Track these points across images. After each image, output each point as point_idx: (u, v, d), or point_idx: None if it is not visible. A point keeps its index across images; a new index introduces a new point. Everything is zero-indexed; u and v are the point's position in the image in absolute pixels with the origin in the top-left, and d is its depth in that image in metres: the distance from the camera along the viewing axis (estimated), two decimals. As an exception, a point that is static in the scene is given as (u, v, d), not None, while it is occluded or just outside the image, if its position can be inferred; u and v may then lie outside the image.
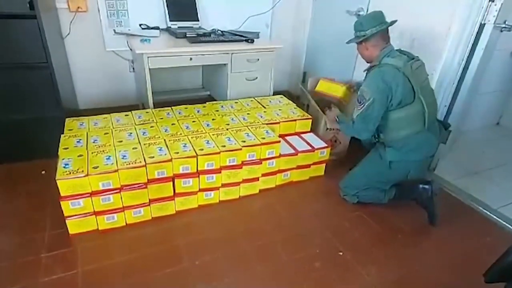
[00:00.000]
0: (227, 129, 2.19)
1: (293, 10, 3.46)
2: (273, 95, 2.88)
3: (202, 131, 2.15)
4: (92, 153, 1.83)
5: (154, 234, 1.83)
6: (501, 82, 3.09)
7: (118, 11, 2.73)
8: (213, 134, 2.11)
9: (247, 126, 2.25)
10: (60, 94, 2.21)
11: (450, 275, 1.69)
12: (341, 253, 1.77)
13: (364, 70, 1.99)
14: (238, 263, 1.68)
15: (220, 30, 2.83)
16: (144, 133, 2.07)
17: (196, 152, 1.91)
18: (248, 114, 2.44)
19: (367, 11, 2.65)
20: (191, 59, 2.46)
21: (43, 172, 2.20)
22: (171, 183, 1.89)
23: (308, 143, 2.35)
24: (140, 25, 2.79)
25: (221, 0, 3.02)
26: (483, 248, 1.86)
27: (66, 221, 1.72)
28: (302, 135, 2.45)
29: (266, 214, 2.05)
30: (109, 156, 1.80)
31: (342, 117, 2.12)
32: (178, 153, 1.89)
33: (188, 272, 1.60)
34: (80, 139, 1.96)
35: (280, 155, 2.18)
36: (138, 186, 1.80)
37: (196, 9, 2.87)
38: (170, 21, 2.79)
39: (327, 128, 2.47)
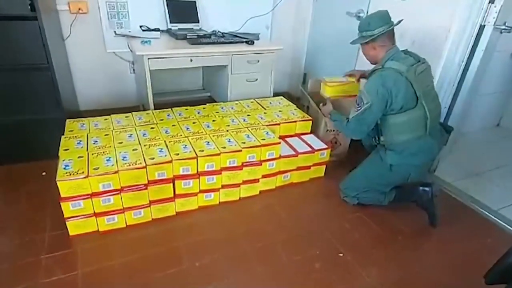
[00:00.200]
0: (227, 131, 2.19)
1: (293, 12, 3.47)
2: (274, 96, 2.88)
3: (202, 132, 2.15)
4: (92, 154, 1.83)
5: (154, 235, 1.83)
6: (501, 83, 3.09)
7: (118, 12, 2.73)
8: (213, 136, 2.11)
9: (247, 128, 2.25)
10: (61, 95, 2.22)
11: (451, 277, 1.69)
12: (341, 255, 1.77)
13: (369, 73, 1.97)
14: (238, 264, 1.68)
15: (220, 32, 2.83)
16: (144, 134, 2.07)
17: (196, 154, 1.91)
18: (248, 115, 2.44)
19: (367, 12, 2.65)
20: (191, 60, 2.47)
21: (43, 173, 2.21)
22: (171, 184, 1.89)
23: (308, 145, 2.35)
24: (140, 26, 2.80)
25: (221, 2, 3.03)
26: (483, 249, 1.86)
27: (66, 222, 1.72)
28: (302, 136, 2.45)
29: (266, 216, 2.05)
30: (110, 157, 1.80)
31: (336, 115, 2.10)
32: (178, 154, 1.89)
33: (188, 273, 1.60)
34: (81, 140, 1.96)
35: (280, 157, 2.18)
36: (138, 188, 1.80)
37: (197, 10, 2.88)
38: (171, 22, 2.79)
39: (327, 130, 2.47)
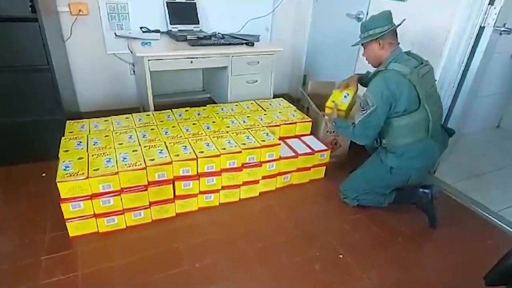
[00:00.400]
0: (227, 132, 2.19)
1: (293, 13, 3.47)
2: (274, 98, 2.88)
3: (202, 133, 2.16)
4: (92, 155, 1.83)
5: (154, 236, 1.83)
6: (501, 84, 3.09)
7: (119, 14, 2.74)
8: (213, 137, 2.11)
9: (247, 129, 2.25)
10: (61, 96, 2.22)
11: (451, 278, 1.69)
12: (341, 256, 1.77)
13: (371, 75, 1.96)
14: (238, 265, 1.68)
15: (220, 33, 2.84)
16: (144, 135, 2.08)
17: (196, 155, 1.91)
18: (248, 116, 2.44)
19: (367, 14, 2.66)
20: (191, 62, 2.47)
21: (43, 174, 2.21)
22: (172, 185, 1.89)
23: (308, 146, 2.35)
24: (141, 28, 2.80)
25: (221, 3, 3.03)
26: (483, 251, 1.85)
27: (66, 223, 1.72)
28: (302, 137, 2.45)
29: (266, 217, 2.05)
30: (110, 159, 1.81)
31: (341, 121, 2.08)
32: (178, 155, 1.89)
33: (188, 275, 1.60)
34: (81, 142, 1.96)
35: (280, 158, 2.18)
36: (139, 189, 1.80)
37: (197, 12, 2.89)
38: (171, 24, 2.80)
39: (328, 131, 2.47)
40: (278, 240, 1.85)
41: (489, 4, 2.04)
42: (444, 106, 2.33)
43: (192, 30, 2.85)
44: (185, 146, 1.98)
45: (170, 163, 1.85)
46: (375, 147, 2.05)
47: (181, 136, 2.10)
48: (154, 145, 1.96)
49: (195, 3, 2.88)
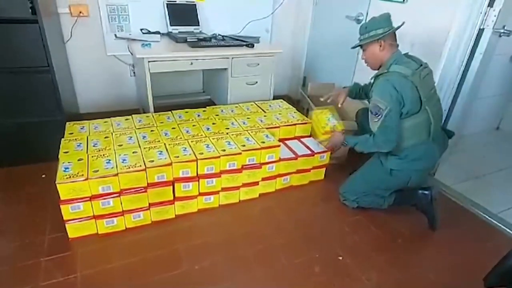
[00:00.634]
0: (227, 133, 2.19)
1: (293, 15, 3.48)
2: (273, 99, 2.89)
3: (202, 135, 2.16)
4: (92, 157, 1.83)
5: (153, 238, 1.82)
6: (501, 86, 3.09)
7: (119, 15, 2.75)
8: (213, 138, 2.11)
9: (247, 130, 2.25)
10: (61, 97, 2.22)
11: (450, 280, 1.69)
12: (341, 258, 1.77)
13: (371, 78, 1.94)
14: (238, 267, 1.68)
15: (220, 35, 2.84)
16: (144, 137, 2.08)
17: (196, 156, 1.91)
18: (248, 118, 2.44)
19: (367, 16, 2.66)
20: (191, 63, 2.48)
21: (43, 175, 2.21)
22: (171, 187, 1.89)
23: (308, 147, 2.35)
24: (141, 29, 2.80)
25: (221, 5, 3.04)
26: (483, 252, 1.85)
27: (66, 225, 1.72)
28: (302, 139, 2.45)
29: (266, 218, 2.05)
30: (109, 160, 1.81)
31: (352, 138, 2.02)
32: (178, 157, 1.89)
33: (188, 276, 1.60)
34: (81, 143, 1.96)
35: (280, 159, 2.18)
36: (138, 190, 1.80)
37: (197, 14, 2.89)
38: (171, 25, 2.80)
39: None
40: (278, 242, 1.85)
41: (488, 6, 2.04)
42: (444, 108, 2.34)
43: (192, 31, 2.85)
44: (185, 148, 1.98)
45: (170, 164, 1.85)
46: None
47: (181, 138, 2.10)
48: (154, 147, 1.97)
49: (195, 4, 2.89)
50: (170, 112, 2.45)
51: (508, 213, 2.16)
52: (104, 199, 1.74)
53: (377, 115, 1.77)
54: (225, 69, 2.64)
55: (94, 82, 2.91)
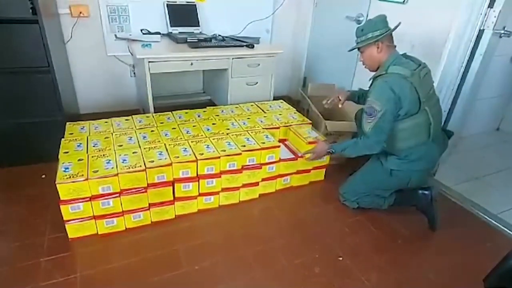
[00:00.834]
0: (227, 134, 2.19)
1: (293, 16, 3.48)
2: (274, 100, 2.89)
3: (202, 135, 2.16)
4: (92, 157, 1.83)
5: (153, 238, 1.82)
6: (501, 87, 3.09)
7: (119, 16, 2.75)
8: (213, 139, 2.11)
9: (247, 131, 2.26)
10: (61, 98, 2.22)
11: (450, 280, 1.69)
12: (341, 258, 1.77)
13: (370, 79, 1.93)
14: (238, 267, 1.68)
15: (220, 35, 2.84)
16: (144, 137, 2.08)
17: (196, 157, 1.91)
18: (248, 118, 2.44)
19: (367, 17, 2.66)
20: (191, 64, 2.48)
21: (43, 176, 2.21)
22: (171, 187, 1.89)
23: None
24: (141, 30, 2.81)
25: (222, 6, 3.04)
26: (483, 253, 1.85)
27: (66, 225, 1.72)
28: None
29: (266, 219, 2.05)
30: (109, 160, 1.81)
31: (338, 145, 2.03)
32: (178, 157, 1.89)
33: (188, 277, 1.60)
34: (81, 143, 1.96)
35: (280, 160, 2.18)
36: (138, 191, 1.80)
37: (197, 14, 2.90)
38: (171, 26, 2.81)
39: (327, 133, 2.47)
40: (278, 242, 1.85)
41: (488, 7, 2.05)
42: (444, 109, 2.34)
43: (193, 32, 2.86)
44: (185, 148, 1.98)
45: (170, 165, 1.85)
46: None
47: (181, 138, 2.10)
48: (154, 147, 1.97)
49: (195, 5, 2.89)
50: (170, 112, 2.45)
51: (508, 214, 2.16)
52: (104, 199, 1.74)
53: (371, 116, 1.77)
54: (225, 69, 2.64)
55: (94, 83, 2.92)
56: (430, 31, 2.25)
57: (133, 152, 1.90)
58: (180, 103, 3.05)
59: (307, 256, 1.76)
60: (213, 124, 2.33)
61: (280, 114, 2.55)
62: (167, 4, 2.79)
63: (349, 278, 1.66)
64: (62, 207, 1.67)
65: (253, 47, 2.68)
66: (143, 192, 1.81)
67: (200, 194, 1.99)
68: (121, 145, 1.97)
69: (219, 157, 1.96)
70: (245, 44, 2.71)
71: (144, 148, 1.94)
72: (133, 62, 2.95)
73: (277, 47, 2.92)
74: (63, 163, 1.76)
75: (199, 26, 2.91)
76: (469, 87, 2.28)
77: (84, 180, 1.66)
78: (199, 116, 2.43)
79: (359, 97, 2.19)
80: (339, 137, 2.49)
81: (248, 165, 2.08)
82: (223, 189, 2.05)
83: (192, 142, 2.06)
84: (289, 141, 2.41)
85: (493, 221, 2.09)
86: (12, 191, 2.09)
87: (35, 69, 2.10)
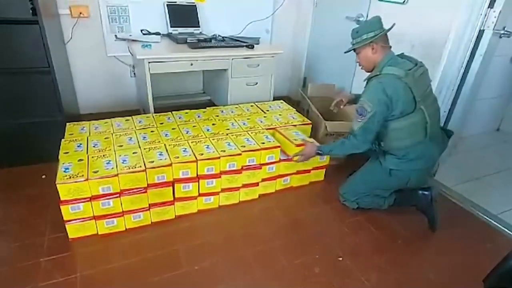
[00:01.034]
0: (227, 134, 2.20)
1: (293, 16, 3.48)
2: (273, 100, 2.89)
3: (202, 136, 2.16)
4: (92, 157, 1.83)
5: (153, 238, 1.83)
6: (501, 87, 3.09)
7: (119, 16, 2.75)
8: (213, 139, 2.12)
9: (247, 131, 2.26)
10: (62, 98, 2.23)
11: (450, 281, 1.68)
12: (340, 259, 1.77)
13: (365, 80, 1.95)
14: (238, 268, 1.68)
15: (220, 36, 2.85)
16: (144, 137, 2.08)
17: (196, 157, 1.91)
18: (248, 119, 2.45)
19: (367, 17, 2.67)
20: (191, 64, 2.48)
21: (43, 176, 2.21)
22: (171, 187, 1.89)
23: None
24: (141, 30, 2.81)
25: (221, 6, 3.04)
26: (483, 254, 1.85)
27: (66, 225, 1.72)
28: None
29: (266, 219, 2.05)
30: (109, 161, 1.81)
31: (326, 146, 2.06)
32: (178, 157, 1.89)
33: (188, 277, 1.60)
34: (81, 144, 1.96)
35: (280, 160, 2.18)
36: (138, 191, 1.80)
37: (197, 15, 2.90)
38: (171, 26, 2.81)
39: (327, 134, 2.47)
40: (278, 243, 1.85)
41: (488, 7, 2.05)
42: (444, 109, 2.34)
43: (193, 32, 2.86)
44: (185, 148, 1.98)
45: (170, 165, 1.85)
46: (373, 150, 2.05)
47: (181, 138, 2.10)
48: (154, 147, 1.97)
49: (195, 5, 2.89)
50: (170, 112, 2.45)
51: (508, 214, 2.16)
52: (104, 199, 1.74)
53: (361, 116, 1.80)
54: (225, 70, 2.64)
55: (94, 83, 2.92)
56: (430, 31, 2.25)
57: (133, 153, 1.90)
58: (180, 103, 3.05)
59: (307, 256, 1.76)
60: (213, 124, 2.33)
61: (280, 115, 2.55)
62: (167, 5, 2.79)
63: (349, 278, 1.66)
64: (62, 207, 1.67)
65: (253, 47, 2.68)
66: (143, 193, 1.81)
67: (200, 195, 2.00)
68: (121, 146, 1.97)
69: (219, 158, 1.96)
70: (245, 44, 2.71)
71: (144, 149, 1.95)
72: (133, 63, 2.96)
73: (277, 48, 2.92)
74: (63, 163, 1.76)
75: (199, 26, 2.91)
76: (469, 87, 2.28)
77: (84, 181, 1.67)
78: (199, 117, 2.43)
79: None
80: (339, 137, 2.48)
81: (248, 166, 2.08)
82: (223, 190, 2.05)
83: (192, 142, 2.06)
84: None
85: (493, 222, 2.09)
86: (12, 191, 2.09)
87: (35, 69, 2.10)
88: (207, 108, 2.59)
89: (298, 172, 2.28)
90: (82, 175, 1.68)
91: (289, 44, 3.57)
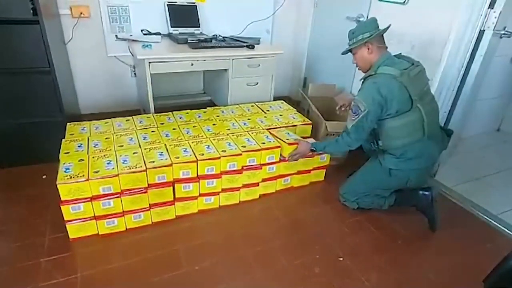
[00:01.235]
0: (227, 134, 2.20)
1: (294, 16, 3.48)
2: (274, 100, 2.89)
3: (202, 136, 2.16)
4: (93, 157, 1.83)
5: (154, 239, 1.83)
6: (502, 87, 3.09)
7: (120, 16, 2.75)
8: (213, 139, 2.12)
9: (247, 131, 2.26)
10: (62, 98, 2.23)
11: (450, 281, 1.69)
12: (341, 259, 1.77)
13: (361, 79, 1.97)
14: (238, 268, 1.68)
15: (221, 36, 2.85)
16: (145, 137, 2.08)
17: (196, 157, 1.92)
18: (248, 119, 2.45)
19: (367, 17, 2.67)
20: (192, 64, 2.48)
21: (44, 176, 2.21)
22: (171, 188, 1.89)
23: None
24: (141, 30, 2.81)
25: (222, 6, 3.04)
26: (483, 254, 1.85)
27: (67, 225, 1.72)
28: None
29: (266, 219, 2.05)
30: (110, 161, 1.81)
31: (320, 143, 2.09)
32: (178, 158, 1.89)
33: (188, 277, 1.60)
34: (81, 144, 1.96)
35: (280, 160, 2.18)
36: (139, 191, 1.80)
37: (198, 15, 2.90)
38: (172, 27, 2.81)
39: (328, 134, 2.47)
40: (278, 243, 1.85)
41: (489, 8, 2.05)
42: (444, 110, 2.34)
43: (193, 32, 2.86)
44: (185, 149, 1.98)
45: (170, 165, 1.85)
46: (373, 150, 2.06)
47: (181, 139, 2.10)
48: (155, 147, 1.97)
49: (196, 5, 2.89)
50: (170, 113, 2.45)
51: (508, 215, 2.16)
52: (105, 199, 1.74)
53: (355, 114, 1.83)
54: (226, 70, 2.64)
55: (95, 83, 2.92)
56: (430, 31, 2.25)
57: (134, 153, 1.90)
58: (180, 103, 3.05)
59: (307, 256, 1.77)
60: (214, 124, 2.33)
61: (280, 115, 2.55)
62: (167, 5, 2.79)
63: (349, 278, 1.66)
64: (63, 207, 1.67)
65: (253, 47, 2.68)
66: (143, 193, 1.82)
67: (201, 195, 2.00)
68: (121, 146, 1.97)
69: (219, 158, 1.96)
70: (245, 44, 2.71)
71: (145, 149, 1.95)
72: (133, 63, 2.96)
73: (277, 48, 2.92)
74: (64, 163, 1.77)
75: (199, 26, 2.91)
76: (469, 87, 2.28)
77: (85, 181, 1.67)
78: (199, 117, 2.43)
79: None
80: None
81: (249, 166, 2.09)
82: (224, 190, 2.05)
83: (192, 142, 2.06)
84: None
85: (493, 222, 2.09)
86: (12, 191, 2.09)
87: (35, 69, 2.10)
88: (208, 108, 2.59)
89: (298, 172, 2.29)
90: (83, 175, 1.68)
91: (290, 44, 3.57)
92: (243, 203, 2.15)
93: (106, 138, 2.04)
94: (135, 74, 3.00)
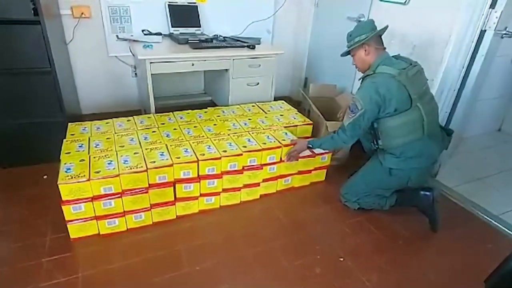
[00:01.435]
0: (228, 134, 2.20)
1: (294, 16, 3.48)
2: (275, 100, 2.89)
3: (203, 136, 2.16)
4: (94, 157, 1.84)
5: (154, 239, 1.83)
6: (503, 88, 3.08)
7: (121, 17, 2.75)
8: (214, 139, 2.12)
9: (248, 132, 2.26)
10: (63, 98, 2.23)
11: (451, 281, 1.69)
12: (341, 259, 1.77)
13: (359, 79, 1.99)
14: (238, 268, 1.68)
15: (222, 36, 2.85)
16: (145, 138, 2.08)
17: (197, 157, 1.92)
18: (249, 119, 2.45)
19: (368, 17, 2.66)
20: (193, 64, 2.48)
21: (45, 176, 2.21)
22: (172, 188, 1.89)
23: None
24: (142, 31, 2.81)
25: (222, 6, 3.04)
26: (484, 254, 1.85)
27: (67, 225, 1.73)
28: (303, 140, 2.45)
29: (267, 220, 2.05)
30: (111, 161, 1.81)
31: (315, 140, 2.12)
32: (179, 158, 1.90)
33: (189, 277, 1.60)
34: (82, 144, 1.97)
35: (281, 161, 2.18)
36: (139, 191, 1.80)
37: (198, 15, 2.90)
38: (172, 27, 2.81)
39: (328, 133, 2.47)
40: (279, 243, 1.85)
41: (490, 8, 2.04)
42: (445, 110, 2.34)
43: (194, 33, 2.86)
44: (186, 149, 1.99)
45: (171, 165, 1.85)
46: (373, 149, 2.06)
47: (182, 139, 2.10)
48: (155, 148, 1.97)
49: (196, 6, 2.89)
50: (171, 113, 2.45)
51: (509, 215, 2.16)
52: (106, 199, 1.74)
53: (352, 112, 1.86)
54: (227, 70, 2.64)
55: (95, 83, 2.92)
56: (431, 31, 2.25)
57: (135, 153, 1.90)
58: (181, 103, 3.06)
59: (308, 257, 1.77)
60: (214, 124, 2.33)
61: (281, 115, 2.55)
62: (168, 5, 2.79)
63: (350, 278, 1.66)
64: (64, 207, 1.67)
65: (254, 47, 2.68)
66: (144, 193, 1.82)
67: (201, 195, 2.00)
68: (122, 146, 1.98)
69: (220, 158, 1.96)
70: (246, 44, 2.71)
71: (146, 149, 1.95)
72: (134, 63, 2.96)
73: (278, 48, 2.92)
74: (64, 163, 1.77)
75: (200, 26, 2.91)
76: (470, 88, 2.28)
77: (86, 181, 1.67)
78: (200, 117, 2.44)
79: None
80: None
81: (249, 166, 2.09)
82: (224, 190, 2.05)
83: (193, 142, 2.06)
84: None
85: (494, 222, 2.09)
86: (13, 191, 2.09)
87: (36, 69, 2.10)
88: (208, 108, 2.59)
89: (299, 173, 2.29)
90: (84, 175, 1.68)
91: (290, 44, 3.57)
92: (244, 203, 2.15)
93: (107, 138, 2.05)
94: (136, 74, 3.01)
